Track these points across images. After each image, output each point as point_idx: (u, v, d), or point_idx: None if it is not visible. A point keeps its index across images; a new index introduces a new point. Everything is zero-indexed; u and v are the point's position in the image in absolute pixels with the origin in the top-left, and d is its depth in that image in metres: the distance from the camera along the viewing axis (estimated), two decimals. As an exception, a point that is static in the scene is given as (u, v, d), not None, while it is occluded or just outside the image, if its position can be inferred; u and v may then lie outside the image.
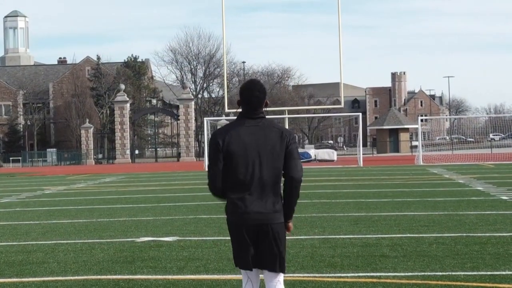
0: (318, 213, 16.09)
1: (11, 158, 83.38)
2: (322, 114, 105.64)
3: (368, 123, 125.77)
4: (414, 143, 79.03)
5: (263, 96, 5.33)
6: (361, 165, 47.13)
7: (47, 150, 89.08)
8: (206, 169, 5.42)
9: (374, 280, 8.41)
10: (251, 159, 5.23)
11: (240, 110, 5.47)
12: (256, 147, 5.25)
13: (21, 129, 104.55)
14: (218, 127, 77.08)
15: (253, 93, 5.32)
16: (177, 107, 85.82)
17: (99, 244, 11.94)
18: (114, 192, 26.72)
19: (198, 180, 33.24)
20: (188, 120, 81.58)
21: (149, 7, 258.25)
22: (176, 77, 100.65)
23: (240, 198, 5.23)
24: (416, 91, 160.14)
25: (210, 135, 5.57)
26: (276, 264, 5.32)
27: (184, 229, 13.65)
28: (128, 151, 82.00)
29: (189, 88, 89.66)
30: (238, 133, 5.27)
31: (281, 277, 5.41)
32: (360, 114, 60.16)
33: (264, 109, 5.40)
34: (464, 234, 11.94)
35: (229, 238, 5.50)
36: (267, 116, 5.47)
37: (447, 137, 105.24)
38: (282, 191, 5.35)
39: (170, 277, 8.93)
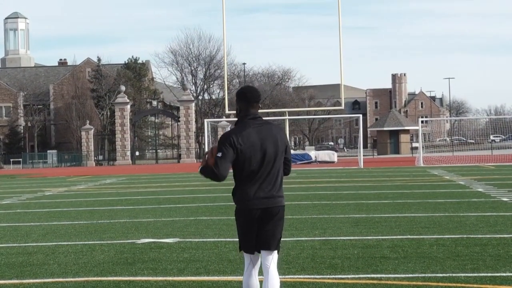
0: (318, 214, 16.09)
1: (11, 160, 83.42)
2: (322, 115, 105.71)
3: (368, 125, 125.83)
4: (414, 144, 78.97)
5: (259, 93, 6.23)
6: (362, 167, 47.12)
7: (48, 151, 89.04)
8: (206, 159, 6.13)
9: (375, 281, 8.41)
10: (260, 155, 6.01)
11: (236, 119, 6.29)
12: (264, 145, 6.03)
13: (22, 131, 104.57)
14: (219, 128, 77.27)
15: (253, 90, 6.18)
16: (178, 108, 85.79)
17: (99, 246, 11.94)
18: (114, 193, 26.72)
19: (198, 182, 33.22)
20: (188, 121, 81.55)
21: (149, 8, 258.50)
22: (177, 78, 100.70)
23: (251, 188, 6.00)
24: (417, 92, 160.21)
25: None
26: (274, 244, 6.07)
27: (185, 231, 13.65)
28: (128, 153, 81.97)
29: (190, 89, 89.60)
30: (248, 133, 6.02)
31: (275, 255, 6.13)
32: (361, 115, 60.04)
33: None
34: (465, 236, 11.94)
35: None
36: (267, 118, 5.83)
37: (448, 139, 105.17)
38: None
39: (170, 278, 8.94)
